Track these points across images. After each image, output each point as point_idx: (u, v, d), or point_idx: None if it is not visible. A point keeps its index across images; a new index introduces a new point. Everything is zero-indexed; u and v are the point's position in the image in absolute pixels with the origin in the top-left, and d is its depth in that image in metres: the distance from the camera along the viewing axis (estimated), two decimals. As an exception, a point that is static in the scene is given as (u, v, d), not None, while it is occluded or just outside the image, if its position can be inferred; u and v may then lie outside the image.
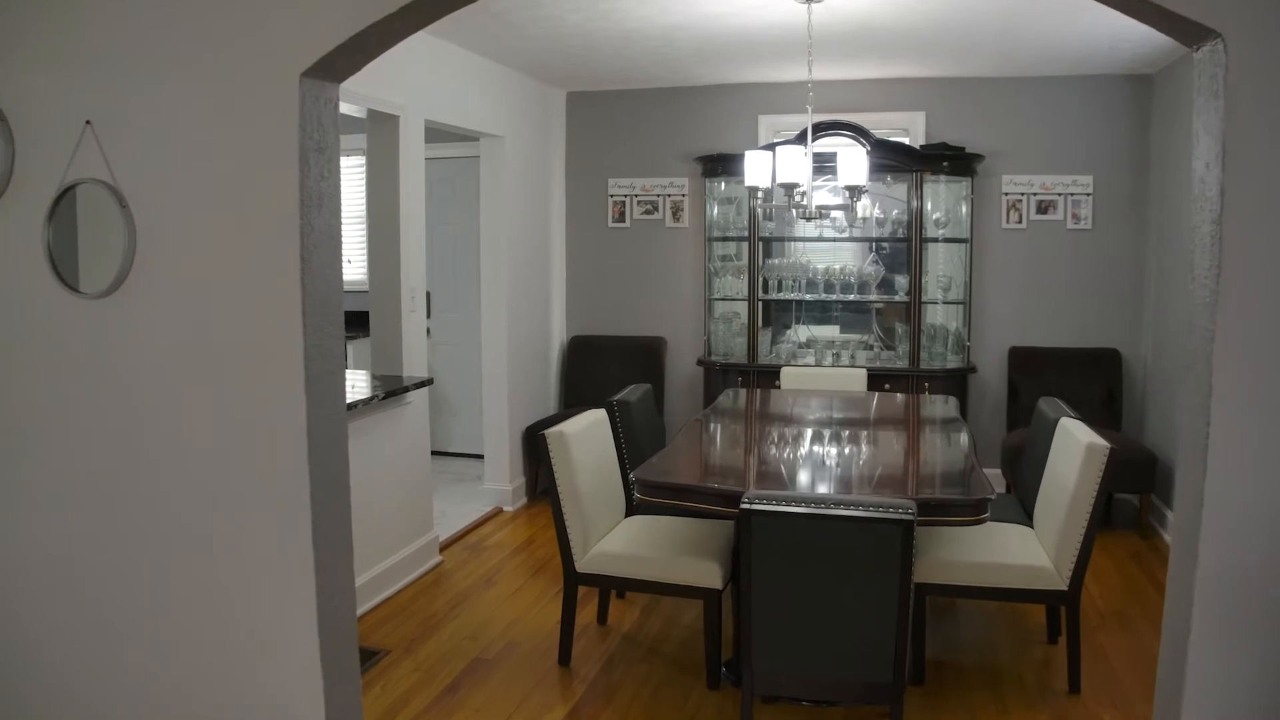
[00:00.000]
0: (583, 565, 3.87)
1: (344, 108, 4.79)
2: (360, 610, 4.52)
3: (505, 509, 6.35)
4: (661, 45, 5.50)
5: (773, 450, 4.34)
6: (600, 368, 7.06)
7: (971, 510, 3.15)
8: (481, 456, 6.61)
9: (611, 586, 4.01)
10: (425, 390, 5.12)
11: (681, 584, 3.72)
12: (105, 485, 2.56)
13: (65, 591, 2.63)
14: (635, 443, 4.52)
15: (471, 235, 6.44)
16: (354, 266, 7.46)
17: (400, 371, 5.08)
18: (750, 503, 2.87)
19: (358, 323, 5.86)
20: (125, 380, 2.52)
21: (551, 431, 3.86)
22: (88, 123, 2.47)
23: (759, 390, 5.86)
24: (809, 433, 4.73)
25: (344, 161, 7.72)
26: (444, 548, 5.50)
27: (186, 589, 2.52)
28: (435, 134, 6.54)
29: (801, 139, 4.76)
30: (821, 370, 5.91)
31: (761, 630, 3.01)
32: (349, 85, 4.63)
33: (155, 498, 2.51)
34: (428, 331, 7.78)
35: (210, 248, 2.39)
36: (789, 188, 4.29)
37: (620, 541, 3.95)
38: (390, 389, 4.66)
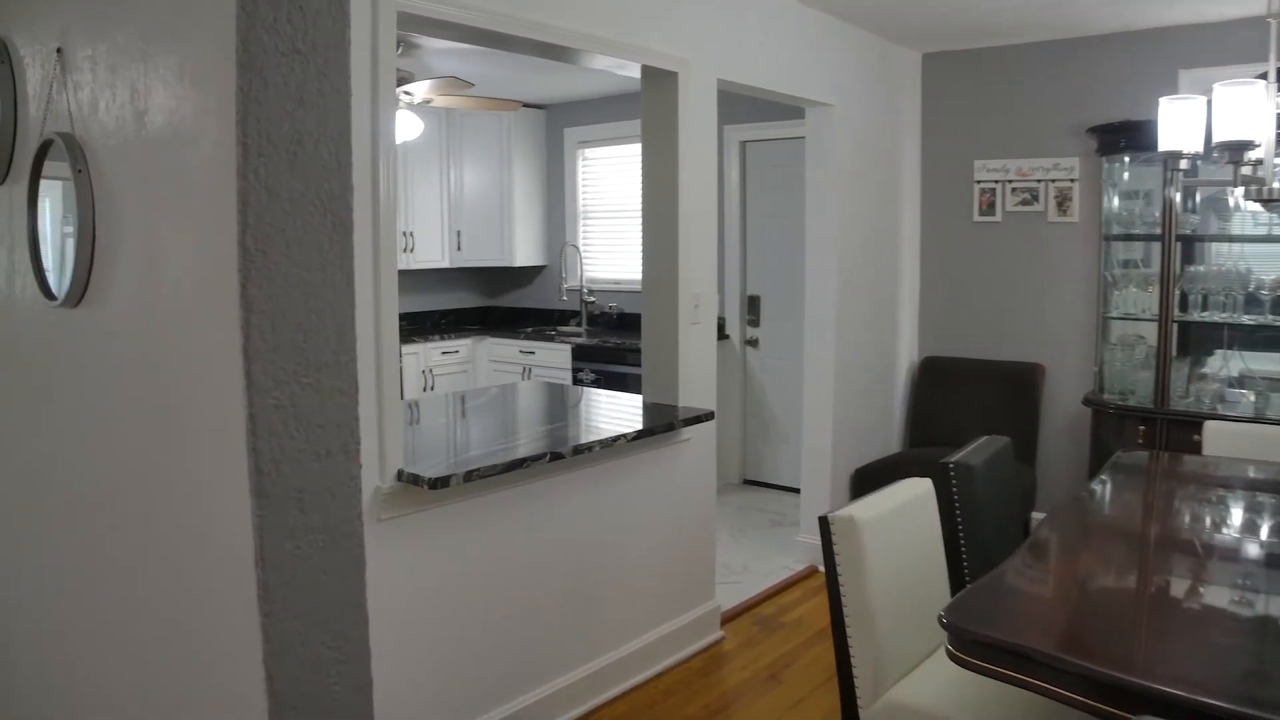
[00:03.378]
0: (869, 716, 2.63)
1: (609, 63, 3.79)
2: (591, 704, 3.57)
3: (821, 569, 5.15)
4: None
5: (1186, 582, 2.65)
6: (958, 399, 5.68)
7: None
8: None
9: (911, 755, 2.73)
10: (710, 424, 4.06)
11: (1017, 777, 2.39)
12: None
13: None
14: (978, 528, 3.17)
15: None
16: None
17: (676, 399, 4.04)
18: (1134, 741, 1.52)
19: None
20: (76, 425, 1.70)
21: (839, 516, 2.65)
22: (59, 51, 1.62)
23: (1167, 454, 4.13)
24: (1248, 548, 2.95)
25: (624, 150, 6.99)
26: (729, 619, 4.43)
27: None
28: (767, 109, 5.54)
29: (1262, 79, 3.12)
30: (1266, 429, 4.10)
31: None
32: (611, 34, 3.65)
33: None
34: (755, 342, 6.80)
35: (152, 241, 1.46)
36: (1235, 150, 2.68)
37: (929, 689, 2.65)
38: (649, 425, 3.64)
